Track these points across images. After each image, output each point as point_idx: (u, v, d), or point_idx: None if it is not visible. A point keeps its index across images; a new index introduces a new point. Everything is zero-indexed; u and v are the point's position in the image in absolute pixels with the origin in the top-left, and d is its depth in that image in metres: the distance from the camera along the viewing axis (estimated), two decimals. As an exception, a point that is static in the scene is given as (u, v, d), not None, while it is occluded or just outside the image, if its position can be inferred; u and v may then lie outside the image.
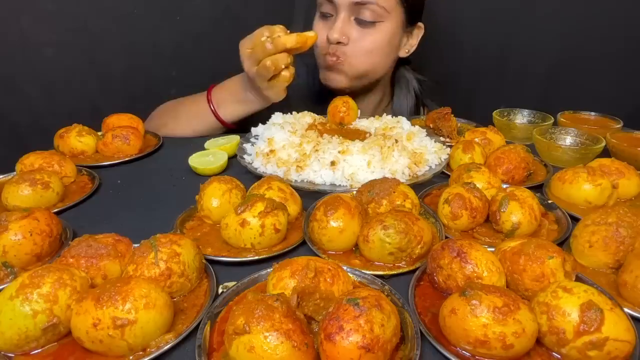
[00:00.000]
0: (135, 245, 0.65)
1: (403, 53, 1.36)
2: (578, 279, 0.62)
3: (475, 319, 0.50)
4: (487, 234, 0.78)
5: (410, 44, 1.37)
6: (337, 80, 1.31)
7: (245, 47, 1.07)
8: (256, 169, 0.99)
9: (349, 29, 1.23)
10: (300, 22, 1.37)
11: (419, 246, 0.67)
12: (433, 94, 1.57)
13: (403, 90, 1.49)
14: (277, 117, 1.19)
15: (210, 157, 1.05)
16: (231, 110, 1.20)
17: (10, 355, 0.52)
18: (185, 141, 1.18)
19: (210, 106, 1.20)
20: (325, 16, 1.27)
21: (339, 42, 1.23)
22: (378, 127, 1.16)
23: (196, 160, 1.03)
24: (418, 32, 1.36)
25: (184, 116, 1.26)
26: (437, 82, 1.54)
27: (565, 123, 1.27)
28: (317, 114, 1.24)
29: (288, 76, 1.07)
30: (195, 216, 0.81)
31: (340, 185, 0.93)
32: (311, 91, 1.43)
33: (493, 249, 0.65)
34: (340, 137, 1.04)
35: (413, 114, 1.50)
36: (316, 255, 0.70)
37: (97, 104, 1.40)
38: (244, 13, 1.62)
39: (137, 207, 0.89)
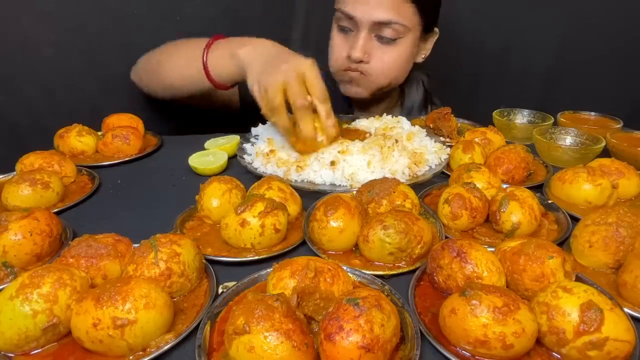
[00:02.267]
0: (135, 245, 0.65)
1: (419, 59, 1.37)
2: (578, 279, 0.62)
3: (475, 319, 0.50)
4: (487, 234, 0.78)
5: (426, 49, 1.37)
6: (357, 92, 1.33)
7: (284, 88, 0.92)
8: (256, 169, 0.99)
9: (370, 47, 1.23)
10: (300, 22, 1.38)
11: (419, 246, 0.67)
12: (438, 91, 1.57)
13: (413, 86, 1.50)
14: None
15: (210, 157, 1.05)
16: (218, 60, 1.09)
17: (10, 355, 0.52)
18: (185, 141, 1.18)
19: (205, 50, 1.11)
20: (344, 30, 1.26)
21: (360, 61, 1.23)
22: (378, 127, 1.16)
23: (196, 160, 1.03)
24: (433, 37, 1.36)
25: (180, 56, 1.20)
26: (438, 77, 1.55)
27: (565, 123, 1.27)
28: None
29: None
30: (195, 216, 0.81)
31: (340, 185, 0.93)
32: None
33: (493, 249, 0.65)
34: (340, 137, 1.04)
35: (422, 109, 1.51)
36: (316, 255, 0.70)
37: (97, 104, 1.40)
38: (243, 13, 1.61)
39: (137, 207, 0.89)
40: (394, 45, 1.24)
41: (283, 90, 0.92)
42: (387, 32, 1.21)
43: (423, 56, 1.38)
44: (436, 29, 1.35)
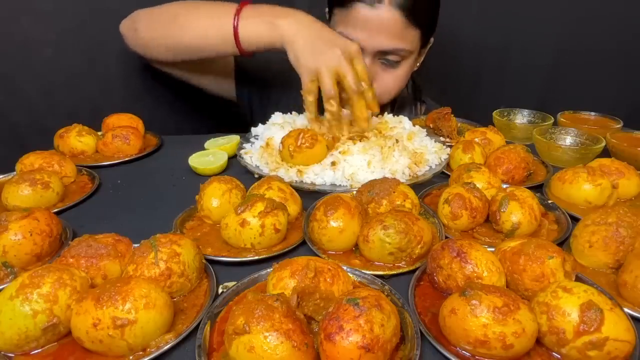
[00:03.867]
0: (135, 245, 0.65)
1: (414, 68, 1.35)
2: (578, 279, 0.62)
3: (475, 319, 0.50)
4: (487, 234, 0.78)
5: (419, 60, 1.36)
6: None
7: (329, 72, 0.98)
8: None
9: (374, 71, 1.20)
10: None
11: (419, 246, 0.67)
12: (429, 90, 1.56)
13: (401, 92, 1.49)
14: (276, 117, 1.19)
15: (210, 157, 1.05)
16: (252, 26, 1.07)
17: (10, 355, 0.52)
18: (185, 141, 1.18)
19: (236, 12, 1.07)
20: None
21: None
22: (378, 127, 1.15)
23: (196, 160, 1.03)
24: (428, 46, 1.35)
25: (202, 13, 1.14)
26: (438, 77, 1.53)
27: (565, 123, 1.27)
28: None
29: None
30: (195, 216, 0.81)
31: (340, 185, 0.93)
32: None
33: (493, 249, 0.65)
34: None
35: (412, 111, 1.50)
36: (316, 255, 0.70)
37: (97, 104, 1.40)
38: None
39: (137, 207, 0.89)
40: (398, 67, 1.22)
41: (336, 75, 0.98)
42: (392, 57, 1.18)
43: (418, 64, 1.36)
44: (432, 39, 1.33)
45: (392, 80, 1.24)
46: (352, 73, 0.98)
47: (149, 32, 1.20)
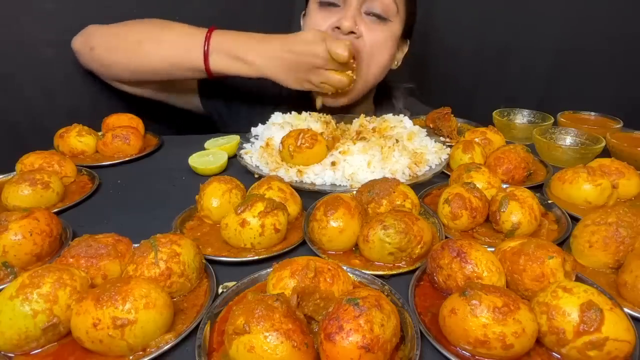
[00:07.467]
0: (135, 245, 0.65)
1: (394, 65, 1.33)
2: (578, 279, 0.62)
3: (475, 319, 0.50)
4: (487, 234, 0.78)
5: (398, 58, 1.34)
6: (338, 98, 1.23)
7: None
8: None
9: (359, 21, 1.15)
10: (299, 21, 1.37)
11: (419, 246, 0.67)
12: (423, 91, 1.56)
13: (384, 103, 1.47)
14: (276, 117, 1.18)
15: (210, 157, 1.05)
16: (223, 62, 1.11)
17: (10, 355, 0.52)
18: (185, 141, 1.18)
19: (204, 46, 1.09)
20: (327, 5, 1.18)
21: (351, 32, 1.14)
22: (375, 127, 1.15)
23: (196, 160, 1.03)
24: (404, 48, 1.35)
25: (168, 42, 1.15)
26: (411, 87, 1.52)
27: (565, 123, 1.27)
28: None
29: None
30: (195, 216, 0.81)
31: (340, 185, 0.93)
32: None
33: (493, 249, 0.65)
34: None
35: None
36: (316, 255, 0.70)
37: (97, 104, 1.40)
38: (243, 13, 1.62)
39: (137, 207, 0.89)
40: (384, 25, 1.18)
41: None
42: (377, 6, 1.15)
43: (397, 63, 1.34)
44: (408, 40, 1.33)
45: (378, 35, 1.19)
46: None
47: (110, 54, 1.20)
